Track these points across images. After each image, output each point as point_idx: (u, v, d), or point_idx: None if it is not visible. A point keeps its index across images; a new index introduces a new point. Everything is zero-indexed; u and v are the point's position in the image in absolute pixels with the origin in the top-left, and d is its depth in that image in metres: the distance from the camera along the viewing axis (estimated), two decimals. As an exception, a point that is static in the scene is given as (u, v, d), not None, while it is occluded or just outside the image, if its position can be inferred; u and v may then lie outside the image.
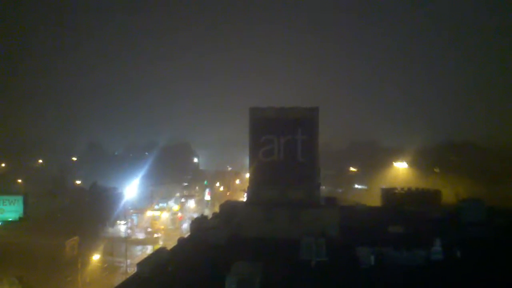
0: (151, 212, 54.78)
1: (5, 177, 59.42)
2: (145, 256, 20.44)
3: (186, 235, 22.85)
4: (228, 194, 69.56)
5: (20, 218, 37.88)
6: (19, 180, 58.86)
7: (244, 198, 39.68)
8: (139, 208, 54.49)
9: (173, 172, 66.94)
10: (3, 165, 66.26)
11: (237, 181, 73.16)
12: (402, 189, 30.88)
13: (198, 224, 20.72)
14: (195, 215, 43.84)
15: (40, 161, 72.54)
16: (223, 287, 11.81)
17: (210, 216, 23.66)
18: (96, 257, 38.98)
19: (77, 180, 62.58)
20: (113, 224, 48.56)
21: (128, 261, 39.26)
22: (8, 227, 36.59)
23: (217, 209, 25.80)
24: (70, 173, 65.20)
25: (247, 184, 22.41)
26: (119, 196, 50.55)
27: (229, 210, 22.05)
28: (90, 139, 77.18)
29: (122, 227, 48.48)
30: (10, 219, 37.79)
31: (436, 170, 45.74)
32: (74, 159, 74.45)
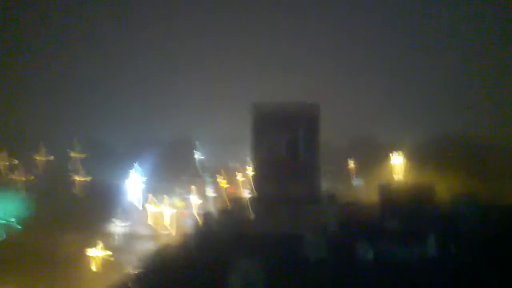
0: (154, 208, 54.77)
1: (5, 174, 59.31)
2: (148, 252, 20.73)
3: (190, 231, 23.02)
4: (231, 190, 69.37)
5: (19, 216, 37.68)
6: (19, 177, 58.77)
7: (246, 194, 39.81)
8: (143, 204, 54.52)
9: (176, 168, 66.75)
10: (2, 162, 66.13)
11: (240, 177, 73.02)
12: (398, 184, 31.07)
13: (202, 220, 21.04)
14: (199, 211, 43.87)
15: (41, 157, 72.27)
16: (228, 283, 12.04)
17: (213, 212, 23.88)
18: (97, 253, 39.06)
19: (79, 176, 62.50)
20: (115, 220, 48.68)
21: (131, 257, 39.39)
22: (7, 226, 36.51)
23: (220, 205, 26.06)
24: (72, 170, 64.97)
25: (250, 180, 22.74)
26: (121, 192, 50.55)
27: (232, 206, 22.33)
28: (92, 135, 76.84)
29: (125, 224, 48.60)
30: (9, 217, 37.61)
31: (432, 165, 45.90)
32: (76, 155, 74.14)
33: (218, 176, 74.65)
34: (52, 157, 72.58)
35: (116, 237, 45.86)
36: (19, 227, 36.04)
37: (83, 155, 73.23)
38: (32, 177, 57.88)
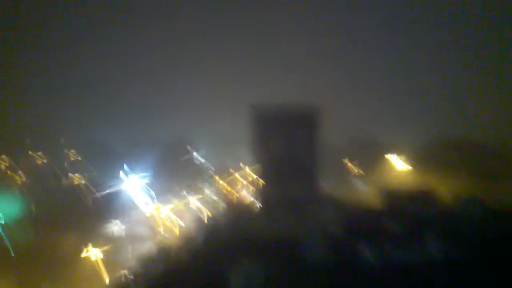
0: (153, 209, 54.80)
1: (4, 173, 59.36)
2: (146, 253, 20.67)
3: (188, 233, 22.99)
4: (230, 191, 69.49)
5: (18, 216, 37.73)
6: (18, 177, 58.80)
7: (246, 195, 39.82)
8: (140, 205, 54.54)
9: (175, 169, 66.89)
10: (1, 161, 66.21)
11: (240, 178, 73.21)
12: (399, 185, 31.03)
13: (201, 222, 20.98)
14: (198, 213, 43.91)
15: (40, 157, 72.38)
16: (227, 286, 11.98)
17: (212, 214, 23.88)
18: (95, 254, 39.07)
19: (77, 176, 62.59)
20: (113, 220, 48.70)
21: (129, 258, 39.34)
22: (6, 226, 36.58)
23: (220, 207, 25.99)
24: (70, 169, 65.10)
25: (249, 181, 22.74)
26: (119, 193, 50.61)
27: (231, 207, 22.31)
28: (91, 136, 77.05)
29: (122, 224, 48.57)
30: (8, 217, 37.64)
31: (433, 165, 45.90)
32: (74, 155, 74.28)
33: (217, 177, 75.04)
34: (49, 158, 73.04)
35: (115, 238, 45.84)
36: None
37: (81, 156, 73.82)
38: (29, 178, 58.06)
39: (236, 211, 20.93)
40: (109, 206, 48.74)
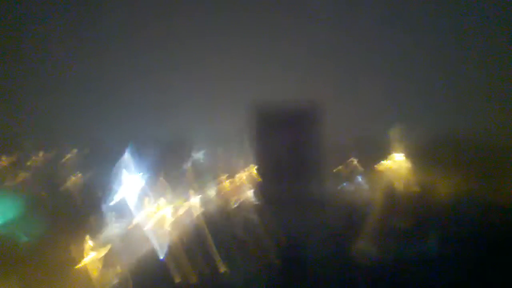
0: (151, 208, 54.92)
1: (3, 173, 59.45)
2: (145, 253, 20.69)
3: (188, 233, 23.00)
4: (230, 190, 69.62)
5: (16, 217, 37.91)
6: (17, 177, 58.91)
7: (246, 194, 39.85)
8: (139, 204, 54.65)
9: (174, 168, 67.05)
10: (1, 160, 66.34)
11: (240, 177, 73.49)
12: (400, 184, 31.11)
13: (201, 221, 20.95)
14: (198, 212, 43.98)
15: (39, 157, 72.62)
16: (227, 284, 11.98)
17: (212, 213, 23.86)
18: (94, 255, 39.15)
19: (76, 175, 62.76)
20: (113, 221, 48.80)
21: (128, 258, 39.37)
22: (5, 227, 36.71)
23: (220, 206, 25.96)
24: (69, 169, 65.30)
25: (250, 180, 22.83)
26: (117, 192, 50.69)
27: (232, 206, 22.30)
28: (89, 134, 77.26)
29: (122, 225, 48.67)
30: (7, 218, 37.83)
31: (433, 164, 46.03)
32: (73, 154, 74.52)
33: (217, 176, 75.38)
34: (48, 158, 73.24)
35: (114, 239, 45.90)
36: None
37: (80, 155, 74.02)
38: (28, 178, 58.15)
39: (236, 211, 20.89)
40: (108, 207, 48.80)
